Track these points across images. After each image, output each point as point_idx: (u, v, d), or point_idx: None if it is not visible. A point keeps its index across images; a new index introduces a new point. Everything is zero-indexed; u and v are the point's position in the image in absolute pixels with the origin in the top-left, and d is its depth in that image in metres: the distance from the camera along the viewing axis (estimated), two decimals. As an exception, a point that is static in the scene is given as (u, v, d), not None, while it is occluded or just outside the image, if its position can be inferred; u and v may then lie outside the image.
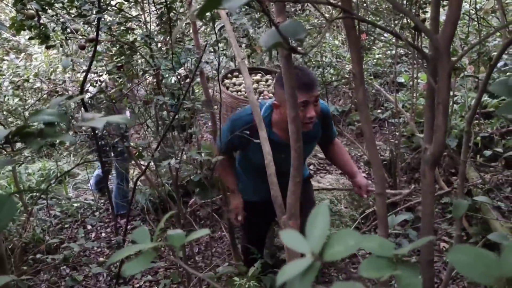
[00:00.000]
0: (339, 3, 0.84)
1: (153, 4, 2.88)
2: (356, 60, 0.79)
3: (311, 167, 4.74)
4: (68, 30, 2.26)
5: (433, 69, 0.79)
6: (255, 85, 3.68)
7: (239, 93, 3.63)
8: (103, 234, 4.44)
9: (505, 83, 0.74)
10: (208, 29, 4.61)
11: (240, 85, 3.68)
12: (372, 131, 0.79)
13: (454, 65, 0.74)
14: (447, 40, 0.70)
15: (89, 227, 4.52)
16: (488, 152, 3.84)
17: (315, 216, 0.47)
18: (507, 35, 2.02)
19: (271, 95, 3.56)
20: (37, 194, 4.41)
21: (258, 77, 3.84)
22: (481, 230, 3.32)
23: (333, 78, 5.17)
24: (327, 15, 4.28)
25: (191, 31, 3.29)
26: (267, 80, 3.84)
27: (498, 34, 4.51)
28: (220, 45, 3.24)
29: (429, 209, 0.86)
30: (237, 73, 3.82)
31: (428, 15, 5.47)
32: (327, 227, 0.45)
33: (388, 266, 0.51)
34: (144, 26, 3.08)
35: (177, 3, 2.99)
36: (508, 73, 4.34)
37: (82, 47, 2.25)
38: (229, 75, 3.88)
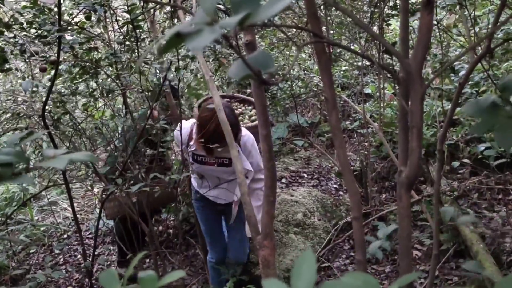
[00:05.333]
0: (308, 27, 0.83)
1: (116, 23, 2.83)
2: (328, 84, 0.78)
3: (283, 180, 4.74)
4: (28, 52, 2.17)
5: (405, 91, 0.78)
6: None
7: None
8: (72, 259, 4.29)
9: (476, 103, 0.74)
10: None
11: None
12: (347, 157, 0.77)
13: (426, 88, 0.73)
14: (419, 64, 0.70)
15: (57, 251, 4.37)
16: (456, 163, 3.91)
17: (300, 265, 0.45)
18: (475, 55, 2.07)
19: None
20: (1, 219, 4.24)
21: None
22: (451, 237, 3.37)
23: (302, 91, 5.21)
24: (294, 32, 4.31)
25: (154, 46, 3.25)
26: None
27: (458, 45, 4.65)
28: (187, 60, 3.20)
29: (405, 231, 0.85)
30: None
31: (391, 27, 5.59)
32: (314, 277, 0.43)
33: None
34: (108, 45, 3.02)
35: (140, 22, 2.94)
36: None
37: (43, 70, 2.17)
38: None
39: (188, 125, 2.80)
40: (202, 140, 2.57)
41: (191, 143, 2.72)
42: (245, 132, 2.73)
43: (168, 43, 0.40)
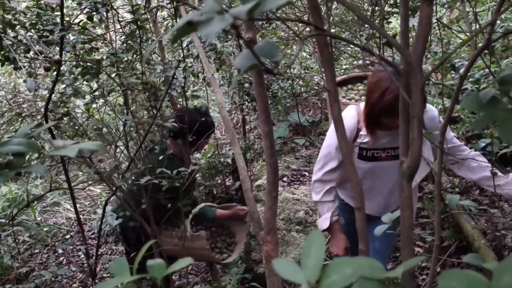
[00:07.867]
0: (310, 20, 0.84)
1: (118, 23, 2.84)
2: (330, 77, 0.79)
3: (285, 178, 4.75)
4: (31, 52, 2.19)
5: (406, 83, 0.79)
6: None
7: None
8: (75, 258, 4.31)
9: (476, 97, 0.75)
10: (175, 44, 4.58)
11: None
12: (350, 148, 0.79)
13: (426, 79, 0.75)
14: (419, 55, 0.71)
15: (60, 251, 4.39)
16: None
17: (309, 245, 0.46)
18: (476, 46, 2.08)
19: None
20: (5, 219, 4.25)
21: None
22: (453, 233, 3.38)
23: (303, 90, 5.22)
24: (295, 28, 4.33)
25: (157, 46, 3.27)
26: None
27: (459, 41, 4.66)
28: (189, 60, 3.21)
29: (408, 222, 0.86)
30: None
31: (391, 25, 5.60)
32: (322, 256, 0.44)
33: (379, 289, 0.50)
34: (110, 45, 3.04)
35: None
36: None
37: (47, 69, 2.19)
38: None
39: (353, 112, 2.13)
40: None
41: (362, 132, 2.11)
42: (428, 107, 2.10)
43: (180, 31, 0.42)
